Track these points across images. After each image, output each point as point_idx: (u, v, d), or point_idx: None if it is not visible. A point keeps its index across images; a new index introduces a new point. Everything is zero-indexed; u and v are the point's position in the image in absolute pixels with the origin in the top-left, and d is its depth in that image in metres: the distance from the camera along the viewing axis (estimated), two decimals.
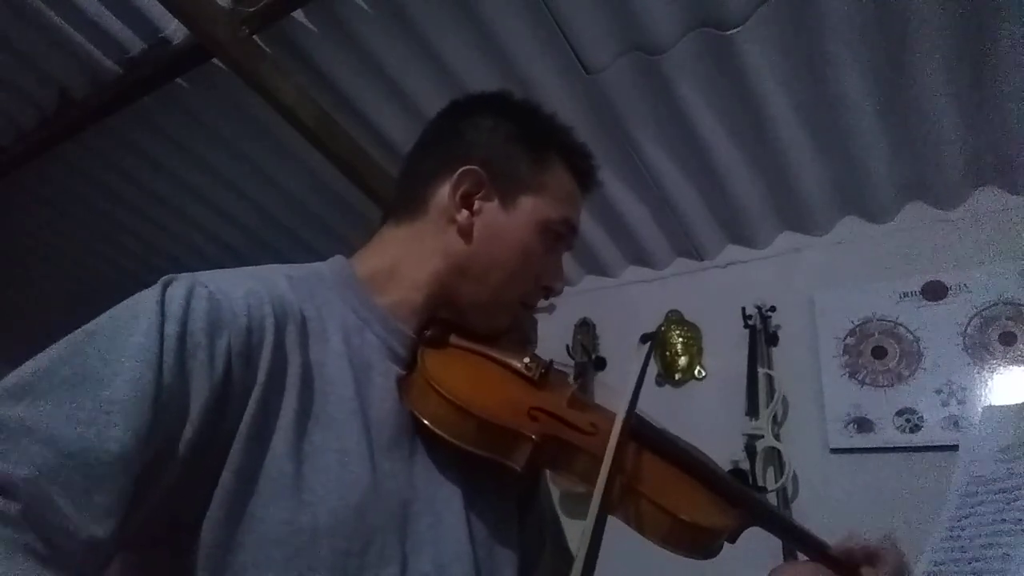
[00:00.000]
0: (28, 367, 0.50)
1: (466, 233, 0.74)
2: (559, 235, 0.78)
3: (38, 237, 2.68)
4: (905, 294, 1.68)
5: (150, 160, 2.16)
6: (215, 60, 1.72)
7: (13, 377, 0.49)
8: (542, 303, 0.83)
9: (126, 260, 2.69)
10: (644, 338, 0.81)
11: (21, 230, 2.65)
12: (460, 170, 0.75)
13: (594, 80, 1.58)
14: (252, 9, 1.58)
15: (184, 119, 1.97)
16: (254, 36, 1.63)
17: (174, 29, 1.71)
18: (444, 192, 0.75)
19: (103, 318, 0.55)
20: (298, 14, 1.61)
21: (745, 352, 1.81)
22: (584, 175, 0.82)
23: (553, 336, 2.07)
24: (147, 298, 0.55)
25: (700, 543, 0.67)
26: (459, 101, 0.84)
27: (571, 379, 0.87)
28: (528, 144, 0.77)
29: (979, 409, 1.48)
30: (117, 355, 0.51)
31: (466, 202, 0.75)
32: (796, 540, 0.78)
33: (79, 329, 0.54)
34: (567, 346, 2.08)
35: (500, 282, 0.75)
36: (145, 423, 0.49)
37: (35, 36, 1.79)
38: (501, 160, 0.76)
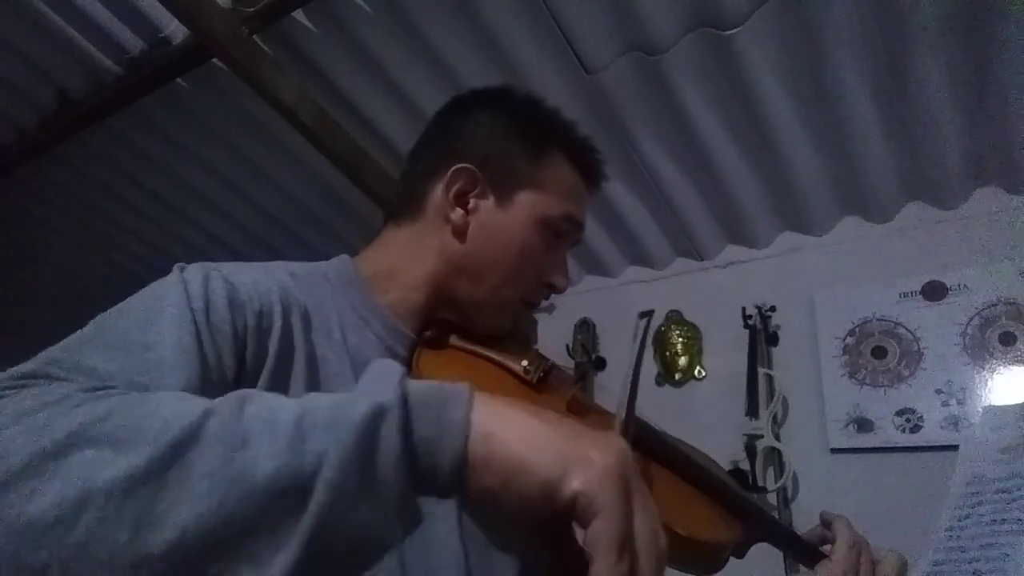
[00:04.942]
0: (61, 343, 0.48)
1: (461, 232, 0.73)
2: (561, 231, 0.77)
3: (38, 237, 2.67)
4: (905, 294, 1.68)
5: (150, 160, 2.16)
6: (215, 60, 1.72)
7: (52, 349, 0.47)
8: (543, 303, 0.82)
9: (126, 260, 2.69)
10: (642, 314, 0.75)
11: (21, 230, 2.65)
12: (453, 168, 0.74)
13: (594, 80, 1.58)
14: (252, 9, 1.58)
15: (184, 119, 1.97)
16: (254, 36, 1.63)
17: (174, 29, 1.71)
18: (439, 191, 0.74)
19: (128, 301, 0.55)
20: (298, 14, 1.61)
21: (745, 352, 1.81)
22: (588, 169, 0.80)
23: (553, 336, 2.07)
24: (168, 281, 0.56)
25: (700, 559, 0.63)
26: (459, 97, 0.83)
27: (573, 381, 0.83)
28: (527, 139, 0.76)
29: (979, 409, 1.48)
30: (155, 325, 0.51)
31: (460, 200, 0.74)
32: (809, 560, 0.73)
33: (101, 314, 0.53)
34: (567, 346, 2.08)
35: (498, 281, 0.74)
36: (195, 381, 0.49)
37: (35, 36, 1.78)
38: (498, 157, 0.75)
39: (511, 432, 0.40)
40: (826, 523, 0.73)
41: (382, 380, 0.40)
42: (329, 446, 0.36)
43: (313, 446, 0.36)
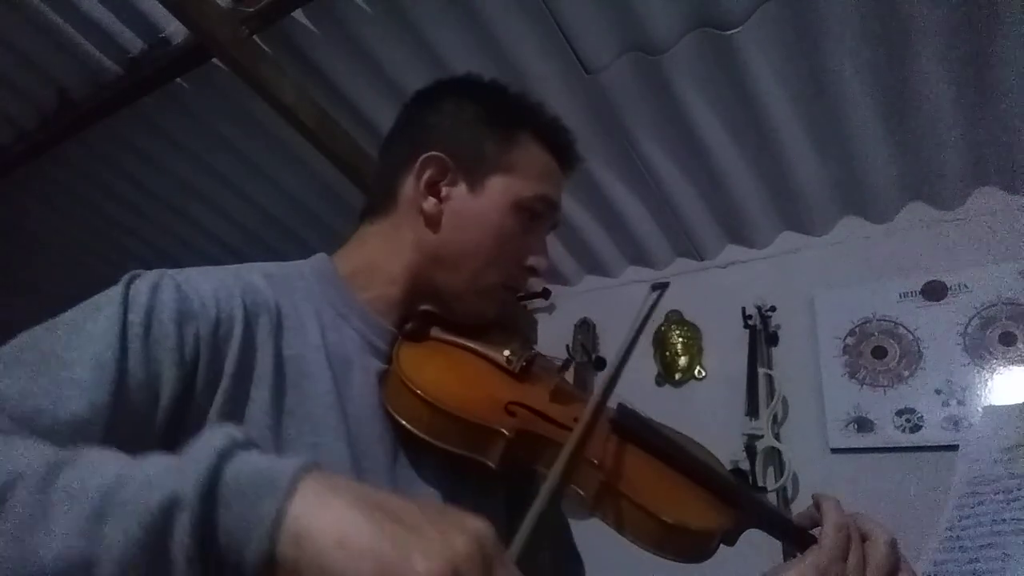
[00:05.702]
0: None
1: (435, 222, 0.73)
2: (536, 213, 0.75)
3: (38, 237, 2.68)
4: (905, 294, 1.68)
5: (150, 160, 2.16)
6: (215, 60, 1.72)
7: None
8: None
9: (126, 260, 2.69)
10: (655, 286, 0.77)
11: (21, 230, 2.65)
12: (422, 157, 0.73)
13: (594, 80, 1.58)
14: (252, 9, 1.57)
15: (184, 119, 1.97)
16: (254, 36, 1.63)
17: (174, 29, 1.71)
18: (410, 182, 0.74)
19: (66, 313, 0.55)
20: (298, 14, 1.61)
21: (745, 352, 1.81)
22: (560, 149, 0.78)
23: (553, 336, 2.08)
24: (111, 292, 0.56)
25: (688, 546, 0.63)
26: (423, 89, 0.82)
27: (558, 369, 0.83)
28: (494, 123, 0.75)
29: (979, 409, 1.48)
30: (78, 341, 0.51)
31: (432, 190, 0.73)
32: (801, 545, 0.72)
33: (42, 324, 0.53)
34: (567, 346, 2.08)
35: (477, 268, 0.73)
36: (105, 400, 0.48)
37: (35, 36, 1.78)
38: (466, 143, 0.74)
39: (328, 535, 0.35)
40: (816, 504, 0.73)
41: (196, 459, 0.37)
42: (120, 535, 0.34)
43: (110, 530, 0.34)
